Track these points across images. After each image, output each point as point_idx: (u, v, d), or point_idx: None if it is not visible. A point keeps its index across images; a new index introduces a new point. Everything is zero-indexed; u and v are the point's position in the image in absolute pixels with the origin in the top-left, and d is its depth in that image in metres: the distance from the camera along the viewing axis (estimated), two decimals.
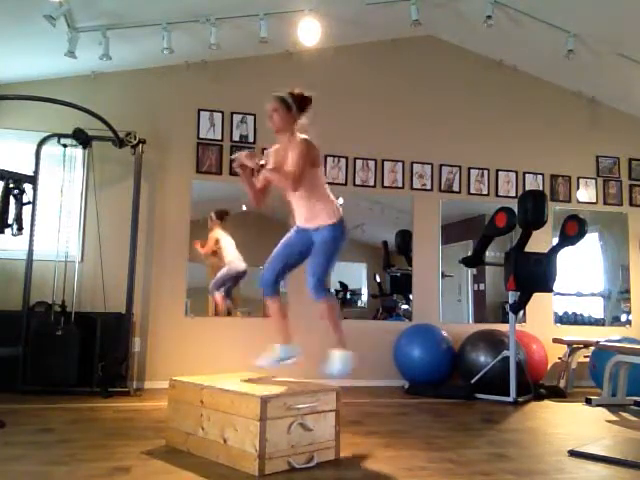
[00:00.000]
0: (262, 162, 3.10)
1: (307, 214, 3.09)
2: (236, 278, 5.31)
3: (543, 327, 5.81)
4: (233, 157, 3.12)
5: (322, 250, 3.07)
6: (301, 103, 3.15)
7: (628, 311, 6.21)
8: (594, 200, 6.28)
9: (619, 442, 3.27)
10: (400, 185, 5.78)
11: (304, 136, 3.05)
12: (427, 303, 5.73)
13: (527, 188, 5.99)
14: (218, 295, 5.19)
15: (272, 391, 2.59)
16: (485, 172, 6.01)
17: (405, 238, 5.83)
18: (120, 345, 4.64)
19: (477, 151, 6.01)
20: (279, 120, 3.10)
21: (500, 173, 6.05)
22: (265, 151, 3.24)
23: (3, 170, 3.69)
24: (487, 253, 5.13)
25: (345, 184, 5.63)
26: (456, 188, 5.91)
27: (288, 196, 3.11)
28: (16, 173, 3.77)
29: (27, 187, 3.86)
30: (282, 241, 3.22)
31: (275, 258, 3.19)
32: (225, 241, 5.32)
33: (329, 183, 5.57)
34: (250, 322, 5.31)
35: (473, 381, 4.85)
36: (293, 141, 3.04)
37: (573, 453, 2.91)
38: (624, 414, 4.23)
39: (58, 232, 4.81)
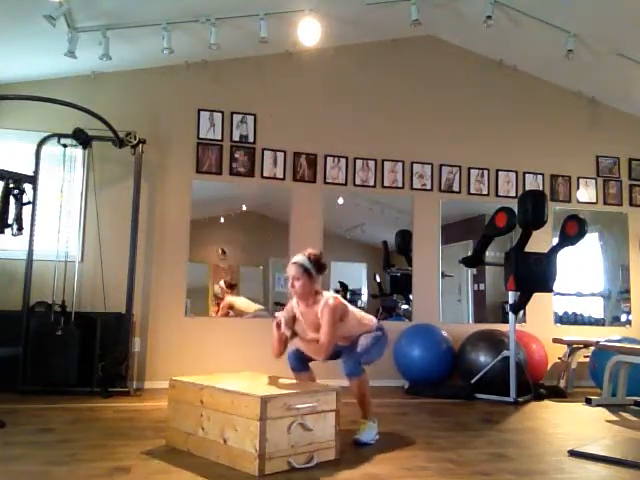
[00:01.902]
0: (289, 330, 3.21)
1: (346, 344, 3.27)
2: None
3: (543, 327, 5.82)
4: (277, 318, 3.20)
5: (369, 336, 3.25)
6: (319, 267, 3.18)
7: (628, 311, 6.21)
8: (594, 200, 6.28)
9: (619, 442, 3.27)
10: (400, 185, 5.78)
11: (329, 298, 3.11)
12: (427, 303, 5.73)
13: (527, 188, 5.99)
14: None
15: (272, 391, 2.59)
16: (485, 172, 6.01)
17: (405, 238, 5.83)
18: (120, 345, 4.64)
19: (477, 151, 6.01)
20: (302, 288, 3.13)
21: (500, 173, 6.05)
22: (290, 304, 3.31)
23: (3, 170, 3.69)
24: (487, 253, 5.13)
25: (345, 184, 5.63)
26: (456, 188, 5.91)
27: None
28: (16, 173, 3.77)
29: (27, 187, 3.86)
30: None
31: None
32: (239, 303, 5.43)
33: (329, 183, 5.66)
34: (250, 322, 5.31)
35: (473, 381, 4.85)
36: (317, 303, 3.14)
37: (573, 453, 2.91)
38: (624, 414, 4.23)
39: (58, 232, 4.81)
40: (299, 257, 3.16)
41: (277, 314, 3.24)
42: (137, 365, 4.96)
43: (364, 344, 3.20)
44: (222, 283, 5.39)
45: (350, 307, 3.27)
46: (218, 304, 5.36)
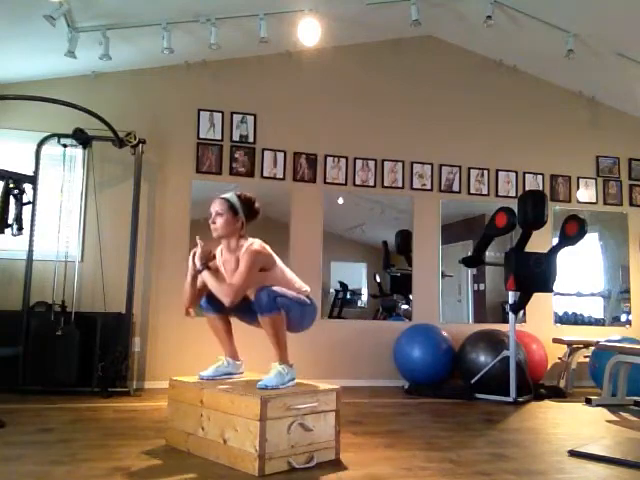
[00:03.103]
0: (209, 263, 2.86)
1: None
2: None
3: (543, 327, 5.82)
4: (193, 251, 2.88)
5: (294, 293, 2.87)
6: (250, 210, 2.90)
7: (628, 311, 6.21)
8: (594, 200, 6.28)
9: (619, 442, 3.27)
10: (400, 185, 5.78)
11: (253, 242, 2.82)
12: (427, 303, 5.73)
13: (527, 188, 5.99)
14: None
15: (272, 391, 2.59)
16: (485, 172, 6.01)
17: (405, 238, 5.83)
18: (120, 345, 4.64)
19: (477, 151, 6.00)
20: (224, 225, 2.83)
21: (500, 173, 6.05)
22: (217, 250, 2.98)
23: (3, 170, 3.69)
24: (487, 253, 5.13)
25: (345, 184, 5.63)
26: (456, 188, 5.91)
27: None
28: (16, 173, 3.76)
29: (27, 187, 3.86)
30: None
31: None
32: None
33: (329, 183, 5.65)
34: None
35: (473, 381, 4.85)
36: (240, 249, 2.82)
37: (573, 453, 2.91)
38: (624, 414, 4.23)
39: (58, 232, 4.81)
40: (228, 194, 2.89)
41: (194, 250, 2.87)
42: (137, 365, 4.96)
43: (288, 293, 2.80)
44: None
45: (280, 263, 2.93)
46: None
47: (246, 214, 2.89)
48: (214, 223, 2.86)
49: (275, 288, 2.75)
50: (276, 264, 2.90)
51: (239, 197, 2.89)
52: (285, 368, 2.73)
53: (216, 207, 2.87)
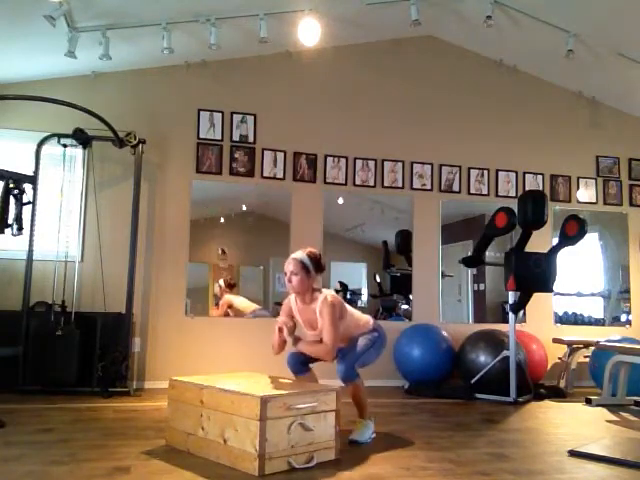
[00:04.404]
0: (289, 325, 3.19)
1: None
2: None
3: (543, 327, 5.82)
4: (279, 323, 3.17)
5: (365, 337, 3.25)
6: (318, 266, 3.19)
7: (628, 311, 6.21)
8: (594, 200, 6.28)
9: (619, 442, 3.27)
10: (400, 185, 5.78)
11: (326, 295, 3.11)
12: (427, 303, 5.73)
13: (527, 188, 5.99)
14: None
15: (272, 391, 2.59)
16: (485, 172, 6.01)
17: (405, 238, 5.83)
18: (120, 345, 4.64)
19: (477, 151, 6.00)
20: (299, 283, 3.12)
21: (500, 173, 6.05)
22: (287, 303, 3.30)
23: (3, 170, 3.69)
24: (487, 253, 5.13)
25: (345, 184, 5.63)
26: (456, 188, 5.91)
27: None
28: (16, 173, 3.77)
29: (27, 187, 3.86)
30: None
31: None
32: (238, 302, 5.43)
33: (329, 183, 5.66)
34: (250, 322, 5.31)
35: (473, 381, 4.85)
36: (314, 301, 3.14)
37: (573, 453, 2.91)
38: (624, 414, 4.23)
39: (58, 232, 4.81)
40: (298, 253, 3.18)
41: (278, 319, 3.22)
42: (137, 365, 4.96)
43: (361, 346, 3.20)
44: (221, 282, 5.39)
45: (347, 306, 3.27)
46: (217, 304, 5.37)
47: (315, 269, 3.18)
48: (290, 282, 3.15)
49: (358, 351, 3.16)
50: (346, 309, 3.23)
51: (309, 257, 3.17)
52: (368, 422, 3.17)
53: (291, 267, 3.14)
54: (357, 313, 3.34)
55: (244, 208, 5.54)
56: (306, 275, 3.11)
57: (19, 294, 4.66)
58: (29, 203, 3.88)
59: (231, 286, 5.41)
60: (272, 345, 3.23)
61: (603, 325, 6.18)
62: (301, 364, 3.25)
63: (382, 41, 5.83)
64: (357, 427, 3.14)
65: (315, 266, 3.15)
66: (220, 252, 5.41)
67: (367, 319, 3.35)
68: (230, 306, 5.38)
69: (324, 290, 3.19)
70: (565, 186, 6.22)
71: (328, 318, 3.04)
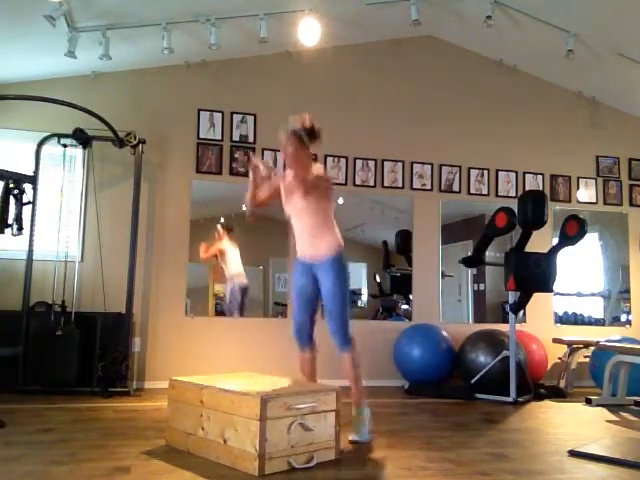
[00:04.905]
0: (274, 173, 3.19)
1: (312, 242, 3.16)
2: (242, 292, 5.37)
3: (543, 327, 5.81)
4: (251, 158, 3.18)
5: (332, 295, 3.12)
6: (311, 132, 3.10)
7: (628, 311, 6.21)
8: (594, 200, 6.28)
9: (619, 442, 3.27)
10: (400, 185, 5.78)
11: (326, 171, 3.13)
12: (427, 303, 5.73)
13: (527, 188, 5.99)
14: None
15: (272, 391, 2.59)
16: (485, 172, 6.01)
17: (405, 238, 5.83)
18: (120, 345, 4.64)
19: (477, 151, 6.00)
20: (293, 154, 3.06)
21: (500, 173, 6.05)
22: (279, 171, 3.31)
23: (3, 170, 3.69)
24: (487, 253, 5.13)
25: (345, 184, 5.63)
26: (456, 188, 5.91)
27: (295, 225, 3.20)
28: (16, 173, 3.77)
29: (27, 187, 3.86)
30: (293, 292, 3.27)
31: (295, 314, 3.25)
32: (231, 253, 5.40)
33: None
34: (250, 322, 5.31)
35: (473, 381, 4.85)
36: (310, 173, 3.09)
37: (573, 453, 2.91)
38: (624, 414, 4.23)
39: (58, 232, 4.81)
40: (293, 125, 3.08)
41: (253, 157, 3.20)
42: (137, 365, 4.96)
43: (341, 301, 3.10)
44: (219, 226, 5.35)
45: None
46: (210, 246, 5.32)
47: (309, 137, 3.07)
48: (286, 152, 3.07)
49: (337, 321, 3.10)
50: (334, 199, 3.28)
51: (304, 128, 3.06)
52: (365, 414, 3.11)
53: (283, 140, 3.07)
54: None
55: (244, 208, 5.53)
56: (300, 145, 3.03)
57: (19, 294, 4.66)
58: (29, 203, 3.88)
59: (229, 231, 5.36)
60: (247, 198, 3.23)
61: (603, 325, 6.18)
62: (302, 333, 3.21)
63: (382, 41, 5.82)
64: (354, 423, 3.08)
65: (308, 134, 3.05)
66: (221, 229, 5.36)
67: (339, 238, 3.19)
68: (222, 253, 5.32)
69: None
70: (565, 186, 6.22)
71: (321, 173, 3.08)
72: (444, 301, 5.79)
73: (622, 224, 6.31)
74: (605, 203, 6.31)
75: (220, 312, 5.36)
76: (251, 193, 3.24)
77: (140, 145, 4.90)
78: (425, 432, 3.42)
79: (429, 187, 5.85)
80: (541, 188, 6.08)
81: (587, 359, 5.37)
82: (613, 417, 4.11)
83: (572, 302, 6.16)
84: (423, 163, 5.85)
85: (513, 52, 5.90)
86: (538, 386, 5.02)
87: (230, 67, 5.49)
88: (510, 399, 4.60)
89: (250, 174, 3.21)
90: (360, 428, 3.08)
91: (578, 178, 6.26)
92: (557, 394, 4.96)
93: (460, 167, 5.94)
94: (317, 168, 3.14)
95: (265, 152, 5.45)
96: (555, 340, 5.56)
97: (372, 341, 5.45)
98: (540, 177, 6.15)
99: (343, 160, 5.64)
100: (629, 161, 6.41)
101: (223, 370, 4.56)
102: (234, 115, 5.45)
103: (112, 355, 4.57)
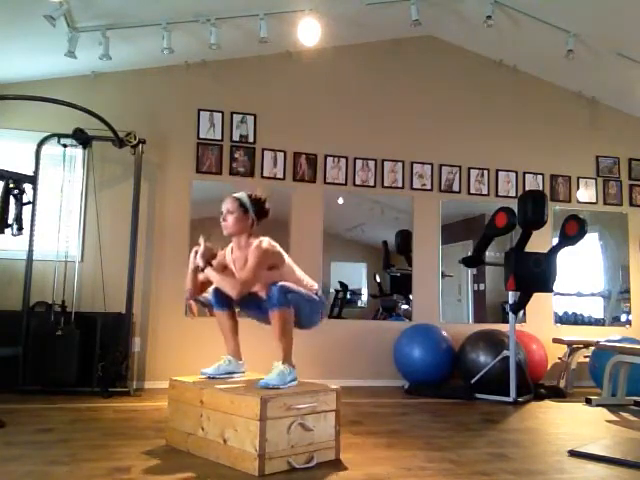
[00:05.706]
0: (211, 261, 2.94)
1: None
2: None
3: (543, 327, 5.81)
4: (195, 248, 2.94)
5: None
6: (260, 210, 2.96)
7: (628, 311, 6.21)
8: (594, 200, 6.28)
9: (619, 442, 3.27)
10: (400, 185, 5.78)
11: (262, 240, 2.86)
12: (427, 303, 5.73)
13: (527, 188, 5.99)
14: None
15: (272, 391, 2.59)
16: (485, 172, 6.01)
17: (405, 238, 5.83)
18: (120, 345, 4.64)
19: (477, 151, 6.00)
20: (234, 222, 2.89)
21: (500, 173, 6.05)
22: (220, 252, 3.04)
23: (3, 170, 3.68)
24: (487, 253, 5.13)
25: (345, 184, 5.63)
26: (456, 188, 5.91)
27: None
28: (16, 173, 3.76)
29: (27, 187, 3.85)
30: None
31: None
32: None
33: (329, 183, 5.65)
34: (250, 322, 5.30)
35: (473, 381, 4.85)
36: (248, 246, 2.87)
37: (573, 453, 2.91)
38: (624, 414, 4.23)
39: (58, 232, 4.81)
40: (240, 193, 2.95)
41: (195, 248, 2.93)
42: (137, 365, 4.96)
43: (296, 288, 2.83)
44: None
45: (290, 261, 2.96)
46: None
47: (256, 213, 2.95)
48: (225, 220, 2.92)
49: (287, 284, 2.78)
50: (285, 262, 2.95)
51: (250, 197, 2.95)
52: (287, 368, 2.75)
53: (227, 205, 2.92)
54: (302, 274, 3.00)
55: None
56: (243, 215, 2.89)
57: (19, 294, 4.66)
58: (29, 203, 3.88)
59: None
60: (186, 286, 2.97)
61: (603, 325, 6.18)
62: (222, 297, 2.95)
63: (382, 41, 5.83)
64: (273, 370, 2.73)
65: (255, 208, 2.92)
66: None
67: (312, 283, 2.99)
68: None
69: (263, 238, 2.89)
70: (565, 186, 6.22)
71: (253, 258, 2.76)
72: (444, 301, 5.79)
73: (622, 224, 6.31)
74: (605, 203, 6.31)
75: None
76: (193, 282, 2.97)
77: (140, 145, 4.90)
78: (425, 432, 3.42)
79: (429, 187, 5.85)
80: (541, 188, 6.09)
81: (587, 359, 5.37)
82: (613, 417, 4.11)
83: (572, 302, 6.16)
84: (423, 163, 5.85)
85: (513, 52, 5.90)
86: (538, 386, 5.02)
87: (230, 67, 5.49)
88: (510, 399, 4.59)
89: (191, 262, 2.93)
90: (277, 376, 2.71)
91: (578, 178, 6.26)
92: (557, 394, 4.96)
93: (460, 167, 5.94)
94: (257, 244, 2.83)
95: (265, 152, 5.45)
96: (555, 340, 5.56)
97: (372, 341, 5.46)
98: (540, 177, 6.15)
99: (343, 160, 5.64)
100: (629, 161, 6.41)
101: None
102: (234, 115, 5.45)
103: (112, 355, 4.57)
